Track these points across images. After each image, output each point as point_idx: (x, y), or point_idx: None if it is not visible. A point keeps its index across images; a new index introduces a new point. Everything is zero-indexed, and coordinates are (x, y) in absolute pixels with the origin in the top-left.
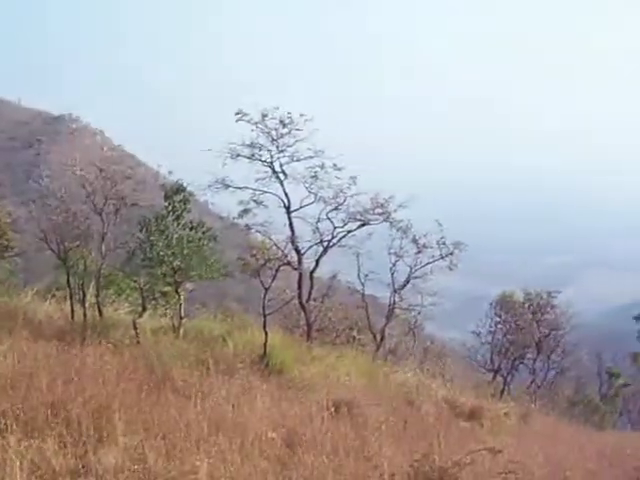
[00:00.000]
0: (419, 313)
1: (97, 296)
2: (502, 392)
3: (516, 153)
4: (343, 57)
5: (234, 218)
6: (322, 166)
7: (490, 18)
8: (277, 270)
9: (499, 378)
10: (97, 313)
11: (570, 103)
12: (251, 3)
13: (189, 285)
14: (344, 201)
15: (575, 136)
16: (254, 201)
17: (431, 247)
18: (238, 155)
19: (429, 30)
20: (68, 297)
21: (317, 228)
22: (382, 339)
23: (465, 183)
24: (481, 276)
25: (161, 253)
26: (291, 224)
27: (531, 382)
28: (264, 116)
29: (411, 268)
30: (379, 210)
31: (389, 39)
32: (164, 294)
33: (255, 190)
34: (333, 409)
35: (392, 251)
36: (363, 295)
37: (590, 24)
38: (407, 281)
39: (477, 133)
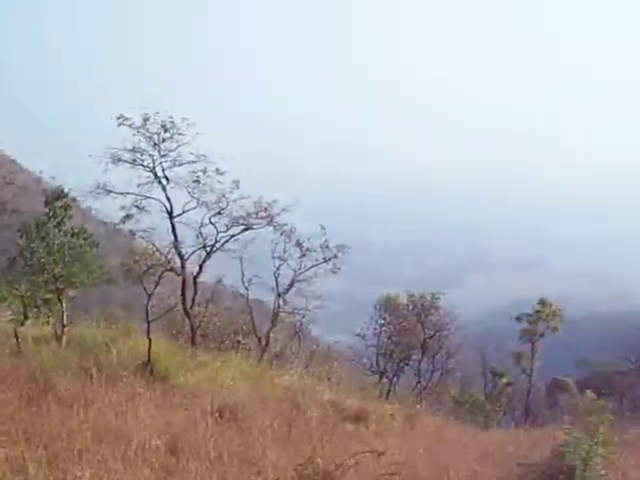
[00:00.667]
0: (304, 317)
1: None
2: (388, 394)
3: (406, 153)
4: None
5: (116, 224)
6: (204, 170)
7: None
8: (160, 276)
9: (385, 380)
10: None
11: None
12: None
13: (71, 292)
14: (227, 205)
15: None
16: (136, 206)
17: (315, 251)
18: (119, 160)
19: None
20: None
21: (200, 233)
22: (267, 343)
23: (351, 188)
24: (367, 278)
25: (42, 260)
26: (174, 229)
27: (417, 383)
28: (146, 120)
29: (295, 272)
30: (262, 214)
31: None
32: (46, 302)
33: (137, 195)
34: (218, 415)
35: (276, 255)
36: (247, 299)
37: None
38: (291, 285)
39: (364, 138)
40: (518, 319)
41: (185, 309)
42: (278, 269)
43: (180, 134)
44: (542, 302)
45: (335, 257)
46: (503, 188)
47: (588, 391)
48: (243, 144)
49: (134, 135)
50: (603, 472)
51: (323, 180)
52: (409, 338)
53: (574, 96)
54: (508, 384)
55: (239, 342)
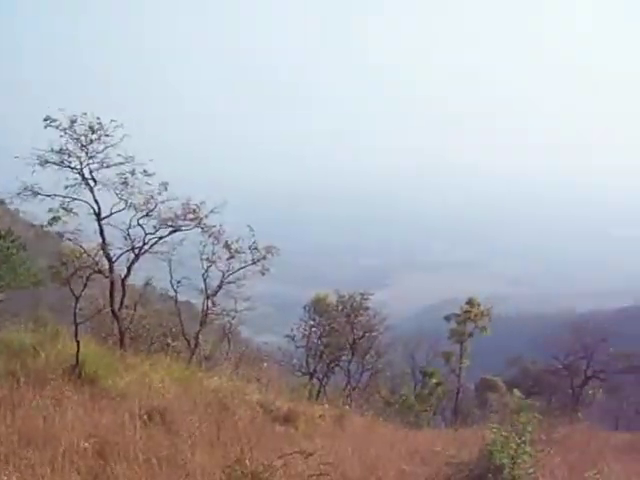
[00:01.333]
0: (233, 318)
1: None
2: (318, 394)
3: (330, 157)
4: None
5: (43, 226)
6: (132, 172)
7: None
8: (88, 278)
9: (315, 381)
10: None
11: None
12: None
13: None
14: (155, 207)
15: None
16: (63, 209)
17: (243, 252)
18: (47, 162)
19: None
20: None
21: (128, 235)
22: (196, 345)
23: (279, 189)
24: (297, 280)
25: None
26: (102, 231)
27: (346, 384)
28: (73, 122)
29: (224, 273)
30: (191, 216)
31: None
32: None
33: (65, 197)
34: (146, 417)
35: (204, 257)
36: (176, 301)
37: None
38: (220, 286)
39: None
40: (447, 319)
41: (113, 311)
42: (207, 271)
43: (107, 135)
44: (470, 302)
45: (264, 258)
46: (434, 189)
47: (515, 390)
48: (170, 147)
49: (61, 137)
50: (531, 470)
51: (255, 182)
52: (338, 339)
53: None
54: (438, 384)
55: (168, 344)
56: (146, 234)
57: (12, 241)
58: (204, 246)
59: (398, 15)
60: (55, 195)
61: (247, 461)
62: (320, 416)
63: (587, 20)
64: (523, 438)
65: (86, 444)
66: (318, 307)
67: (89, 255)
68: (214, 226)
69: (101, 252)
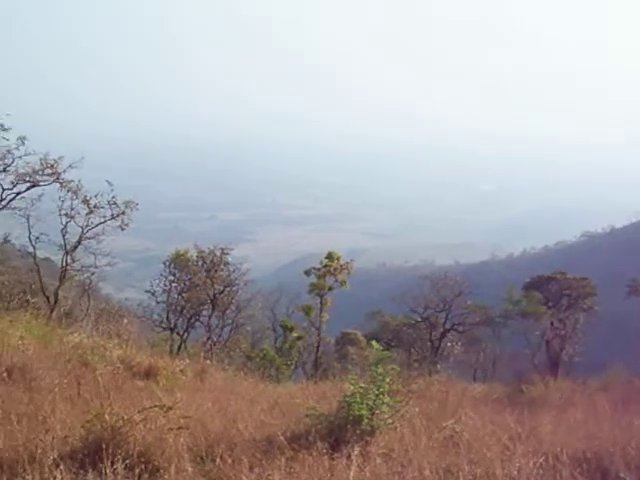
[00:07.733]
0: (93, 274)
1: None
2: (179, 349)
3: (194, 107)
4: None
5: None
6: None
7: None
8: None
9: (176, 336)
10: None
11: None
12: None
13: None
14: (12, 162)
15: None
16: None
17: (102, 207)
18: None
19: None
20: None
21: None
22: (56, 301)
23: (137, 139)
24: (158, 235)
25: None
26: None
27: (207, 338)
28: None
29: (82, 229)
30: (49, 171)
31: None
32: None
33: None
34: (6, 375)
35: (63, 212)
36: (35, 258)
37: None
38: (79, 242)
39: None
40: (307, 273)
41: None
42: (65, 226)
43: None
44: (330, 256)
45: (123, 213)
46: (296, 149)
47: (373, 342)
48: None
49: None
50: (389, 421)
51: (114, 137)
52: (199, 294)
53: None
54: (299, 338)
55: (27, 301)
56: (3, 190)
57: None
58: (62, 201)
59: None
60: None
61: (107, 416)
62: (181, 371)
63: None
64: (381, 389)
65: None
66: (178, 262)
67: None
68: (72, 181)
69: None
